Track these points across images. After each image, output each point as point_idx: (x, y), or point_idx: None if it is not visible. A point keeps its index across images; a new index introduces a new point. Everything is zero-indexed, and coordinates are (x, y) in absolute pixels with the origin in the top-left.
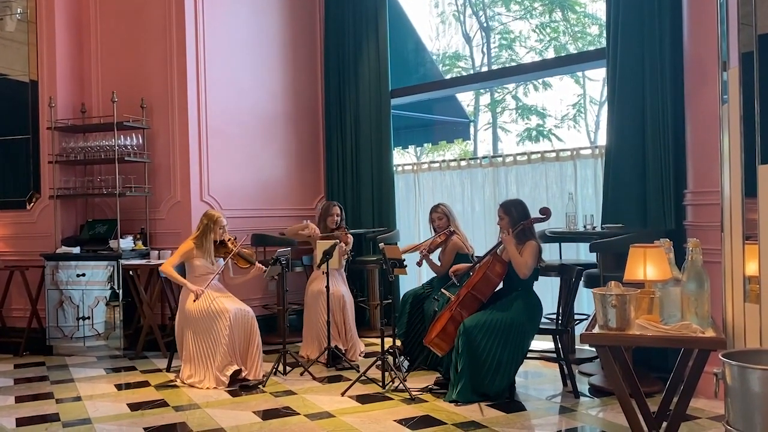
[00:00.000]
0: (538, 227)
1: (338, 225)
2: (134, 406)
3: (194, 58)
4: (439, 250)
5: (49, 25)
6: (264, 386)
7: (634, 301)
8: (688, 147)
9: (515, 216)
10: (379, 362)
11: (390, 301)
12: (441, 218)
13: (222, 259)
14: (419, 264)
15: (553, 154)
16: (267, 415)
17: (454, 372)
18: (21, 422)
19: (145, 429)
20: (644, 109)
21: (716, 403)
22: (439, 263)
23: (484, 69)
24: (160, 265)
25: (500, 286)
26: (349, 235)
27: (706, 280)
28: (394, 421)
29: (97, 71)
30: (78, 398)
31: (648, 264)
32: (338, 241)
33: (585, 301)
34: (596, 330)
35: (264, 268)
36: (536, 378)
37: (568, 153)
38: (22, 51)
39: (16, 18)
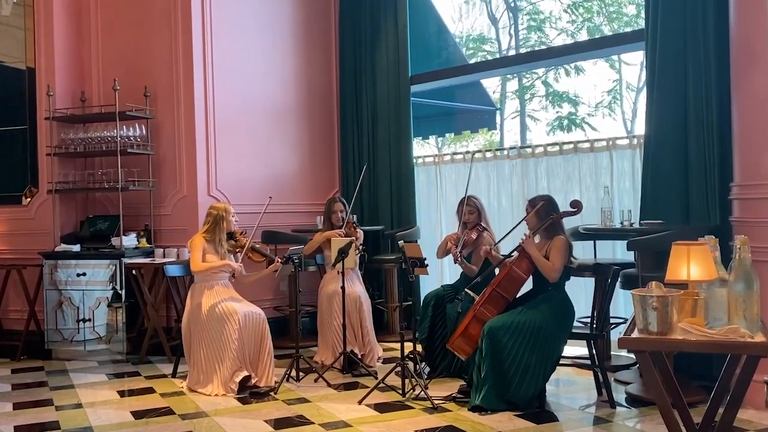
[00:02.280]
0: (570, 223)
1: (344, 221)
2: (138, 414)
3: (201, 43)
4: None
5: (47, 10)
6: (276, 393)
7: (676, 303)
8: (735, 136)
9: (543, 210)
10: (399, 368)
11: (410, 302)
12: (472, 212)
13: (232, 255)
14: (456, 262)
15: (587, 145)
16: (279, 424)
17: (478, 375)
18: (19, 430)
19: None
20: (686, 95)
21: (766, 414)
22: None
23: (512, 53)
24: (164, 263)
25: (528, 284)
26: (358, 230)
27: (755, 280)
28: (415, 431)
29: (98, 58)
30: (79, 405)
31: (692, 263)
32: (354, 238)
33: (621, 303)
34: (635, 334)
35: (281, 263)
36: (568, 386)
37: (604, 143)
38: (18, 37)
39: (12, 2)
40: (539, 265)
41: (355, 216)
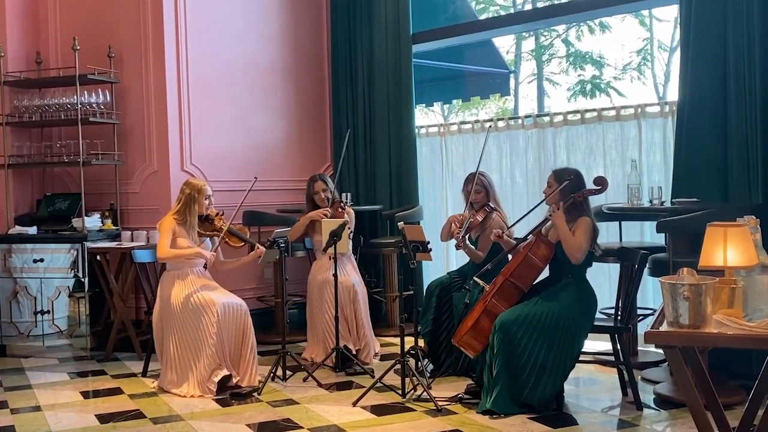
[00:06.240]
0: (593, 202)
1: (331, 201)
2: (104, 418)
3: None
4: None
5: None
6: (259, 394)
7: (711, 292)
8: None
9: (568, 186)
10: (399, 366)
11: (412, 292)
12: (479, 192)
13: (209, 239)
14: (458, 247)
15: (613, 113)
16: (263, 428)
17: (489, 376)
18: None
19: None
20: (726, 56)
21: None
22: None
23: (528, 7)
24: (133, 248)
25: (545, 272)
26: (348, 210)
27: None
28: None
29: (55, 13)
30: (37, 408)
31: (729, 247)
32: (348, 219)
33: (650, 292)
34: (664, 327)
35: (264, 249)
36: (590, 386)
37: (631, 111)
38: None
39: None
40: (566, 240)
41: (349, 194)
